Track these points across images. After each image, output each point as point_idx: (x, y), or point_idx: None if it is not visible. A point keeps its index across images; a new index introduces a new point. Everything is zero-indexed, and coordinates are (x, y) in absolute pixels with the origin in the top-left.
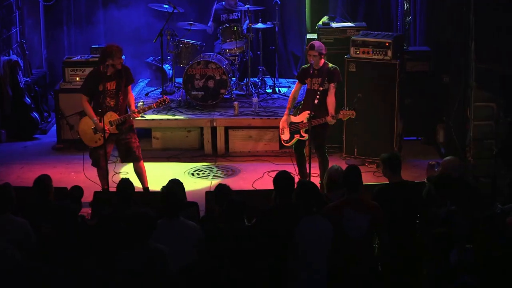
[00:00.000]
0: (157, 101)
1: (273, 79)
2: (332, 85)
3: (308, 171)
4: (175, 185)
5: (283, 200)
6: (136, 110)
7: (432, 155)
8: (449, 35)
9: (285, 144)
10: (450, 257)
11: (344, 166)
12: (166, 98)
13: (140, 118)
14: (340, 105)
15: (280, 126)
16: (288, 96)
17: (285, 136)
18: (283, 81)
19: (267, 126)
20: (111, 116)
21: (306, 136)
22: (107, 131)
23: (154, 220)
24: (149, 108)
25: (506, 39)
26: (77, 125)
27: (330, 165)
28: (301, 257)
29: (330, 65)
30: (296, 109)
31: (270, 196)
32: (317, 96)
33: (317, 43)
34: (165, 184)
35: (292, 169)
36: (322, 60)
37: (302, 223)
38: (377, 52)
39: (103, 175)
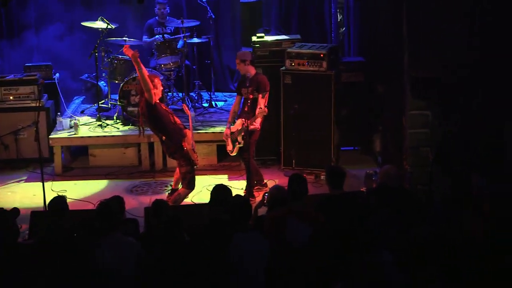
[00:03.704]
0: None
1: (209, 93)
2: (260, 95)
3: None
4: (111, 201)
5: (220, 213)
6: None
7: (370, 164)
8: (382, 44)
9: (230, 154)
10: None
11: (281, 178)
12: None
13: (75, 135)
14: (278, 116)
15: (224, 138)
16: (225, 110)
17: (229, 146)
18: (219, 95)
19: (204, 140)
20: None
21: (243, 142)
22: None
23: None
24: None
25: (439, 46)
26: (12, 144)
27: (263, 177)
28: (239, 273)
29: (261, 75)
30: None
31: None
32: (248, 104)
33: (239, 52)
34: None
35: (230, 182)
36: (252, 70)
37: (236, 239)
38: (312, 64)
39: None
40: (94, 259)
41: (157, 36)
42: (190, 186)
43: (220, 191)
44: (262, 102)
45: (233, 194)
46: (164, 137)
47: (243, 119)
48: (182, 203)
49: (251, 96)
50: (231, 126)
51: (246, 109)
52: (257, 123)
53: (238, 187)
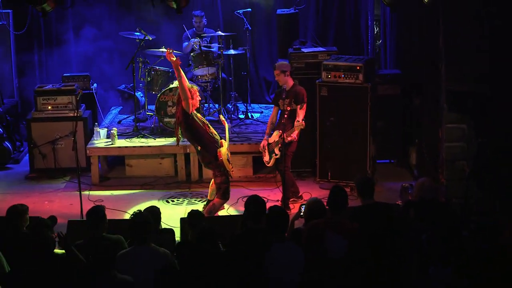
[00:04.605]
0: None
1: (245, 104)
2: (299, 106)
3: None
4: (146, 212)
5: (254, 224)
6: None
7: (405, 177)
8: (419, 57)
9: (267, 164)
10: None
11: (317, 190)
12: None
13: (112, 145)
14: (314, 128)
15: (261, 150)
16: (262, 122)
17: (266, 157)
18: (255, 106)
19: (240, 151)
20: None
21: (279, 153)
22: None
23: (114, 250)
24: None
25: (475, 59)
26: (49, 153)
27: (299, 189)
28: (272, 284)
29: (298, 86)
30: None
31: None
32: (285, 116)
33: (278, 63)
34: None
35: (265, 194)
36: (290, 81)
37: (273, 249)
38: (349, 76)
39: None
40: (126, 269)
41: (192, 40)
42: (224, 196)
43: (254, 203)
44: (301, 114)
45: (268, 206)
46: (199, 147)
47: (280, 131)
48: (217, 214)
49: (288, 108)
50: (269, 138)
51: (283, 120)
52: (294, 135)
53: (273, 198)
